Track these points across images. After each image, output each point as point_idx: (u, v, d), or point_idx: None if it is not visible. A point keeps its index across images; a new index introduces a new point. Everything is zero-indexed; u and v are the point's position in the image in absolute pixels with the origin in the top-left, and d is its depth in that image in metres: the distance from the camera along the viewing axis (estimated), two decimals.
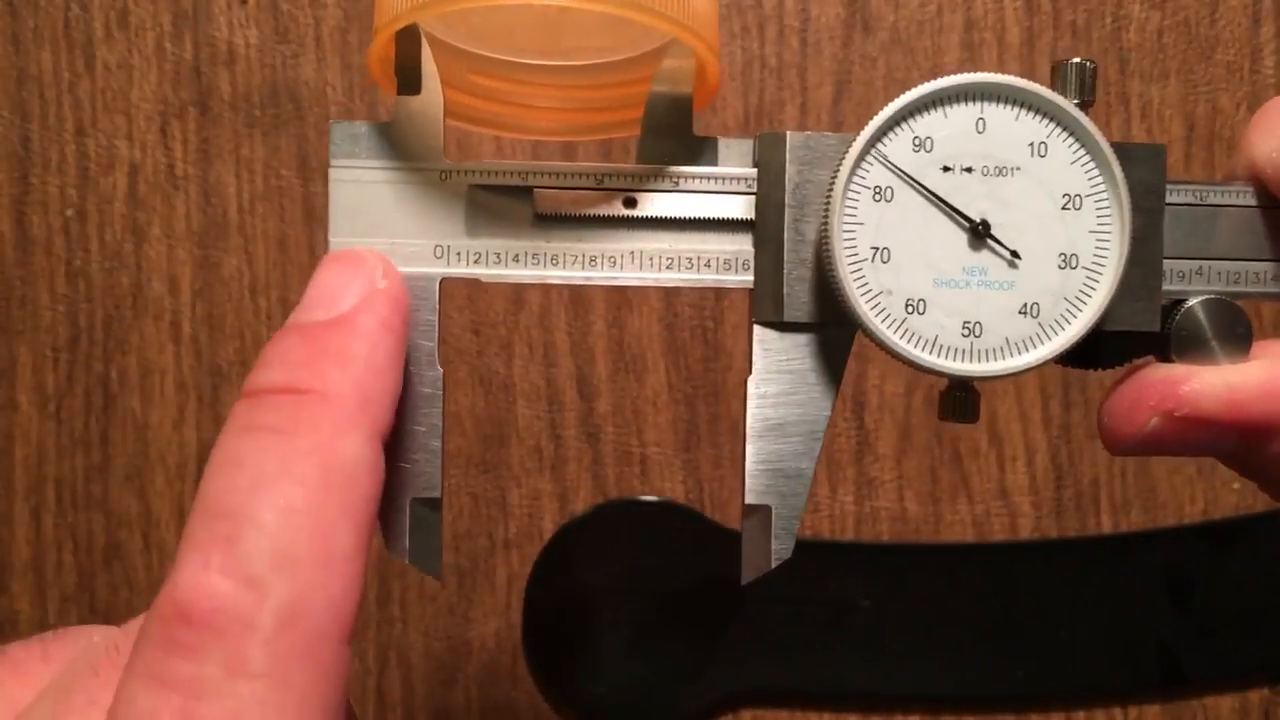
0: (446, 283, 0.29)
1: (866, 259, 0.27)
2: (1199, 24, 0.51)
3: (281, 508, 0.22)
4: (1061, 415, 0.51)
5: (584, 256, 0.29)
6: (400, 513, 0.28)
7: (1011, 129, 0.27)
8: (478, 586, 0.51)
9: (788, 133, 0.28)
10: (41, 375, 0.51)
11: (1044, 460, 0.51)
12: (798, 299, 0.28)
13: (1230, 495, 0.52)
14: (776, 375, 0.29)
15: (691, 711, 0.50)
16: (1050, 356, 0.27)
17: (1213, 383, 0.27)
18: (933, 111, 0.27)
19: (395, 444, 0.28)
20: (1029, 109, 0.27)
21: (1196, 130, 0.51)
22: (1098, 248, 0.27)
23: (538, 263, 0.29)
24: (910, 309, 0.27)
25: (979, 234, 0.27)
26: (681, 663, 0.50)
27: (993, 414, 0.51)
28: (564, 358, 0.51)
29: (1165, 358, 0.29)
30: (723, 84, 0.51)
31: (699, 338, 0.50)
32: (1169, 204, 0.28)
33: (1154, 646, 0.51)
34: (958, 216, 0.27)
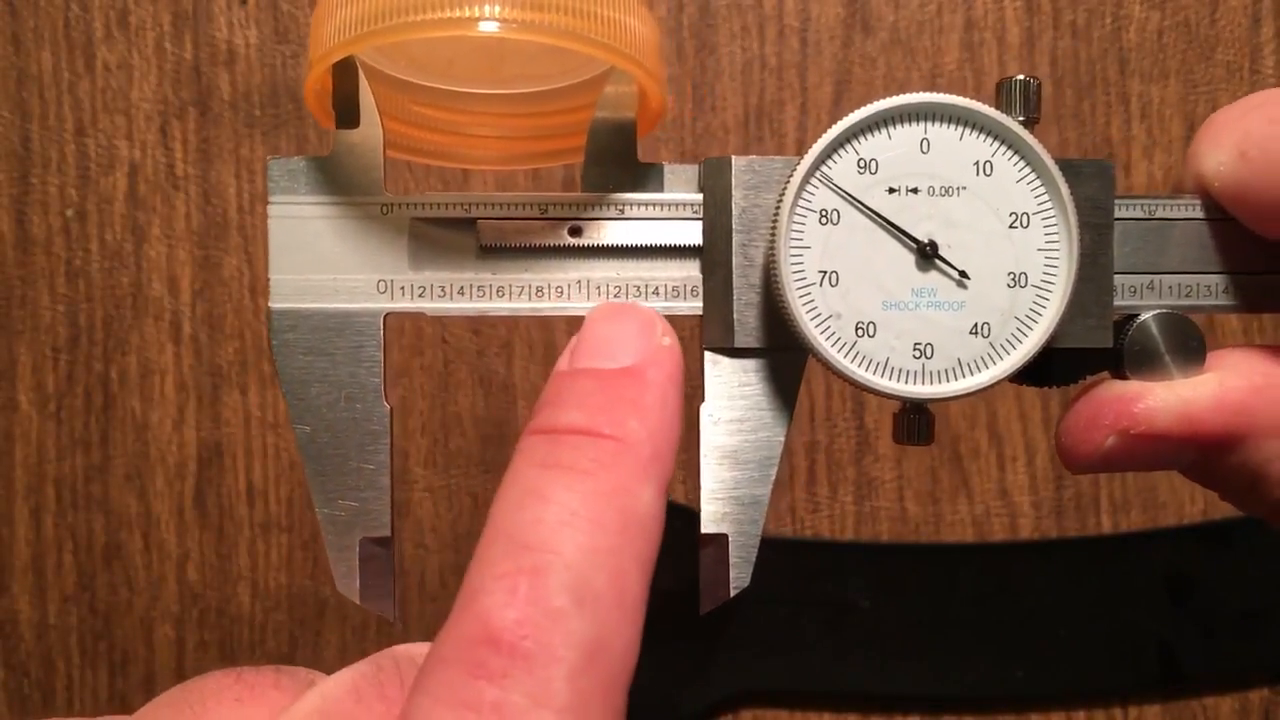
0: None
1: (815, 282, 0.27)
2: (1199, 24, 0.51)
3: (585, 546, 0.23)
4: (1061, 415, 0.51)
5: (530, 287, 0.28)
6: (349, 551, 0.28)
7: (956, 148, 0.27)
8: None
9: (732, 157, 0.28)
10: (41, 375, 0.51)
11: (1044, 460, 0.51)
12: (747, 324, 0.28)
13: None
14: (729, 402, 0.28)
15: (691, 711, 0.50)
16: (1003, 376, 0.27)
17: (1167, 399, 0.27)
18: (877, 133, 0.27)
19: (342, 482, 0.28)
20: (973, 128, 0.27)
21: (1196, 130, 0.51)
22: (1046, 265, 0.27)
23: (483, 295, 0.28)
24: (860, 332, 0.27)
25: (927, 255, 0.27)
26: (681, 663, 0.50)
27: (993, 414, 0.51)
28: None
29: (1120, 374, 0.28)
30: (722, 87, 0.51)
31: (698, 338, 0.50)
32: (1118, 219, 0.28)
33: (1154, 646, 0.51)
34: (905, 238, 0.27)
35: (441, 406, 0.51)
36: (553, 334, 0.51)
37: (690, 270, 0.29)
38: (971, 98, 0.27)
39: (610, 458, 0.24)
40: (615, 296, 0.29)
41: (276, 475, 0.51)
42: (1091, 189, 0.28)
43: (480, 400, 0.51)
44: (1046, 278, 0.27)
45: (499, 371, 0.51)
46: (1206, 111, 0.51)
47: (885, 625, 0.50)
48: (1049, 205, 0.27)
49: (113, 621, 0.51)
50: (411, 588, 0.51)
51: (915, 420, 0.29)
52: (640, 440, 0.25)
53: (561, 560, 0.22)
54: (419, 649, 0.25)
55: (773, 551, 0.51)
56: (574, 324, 0.51)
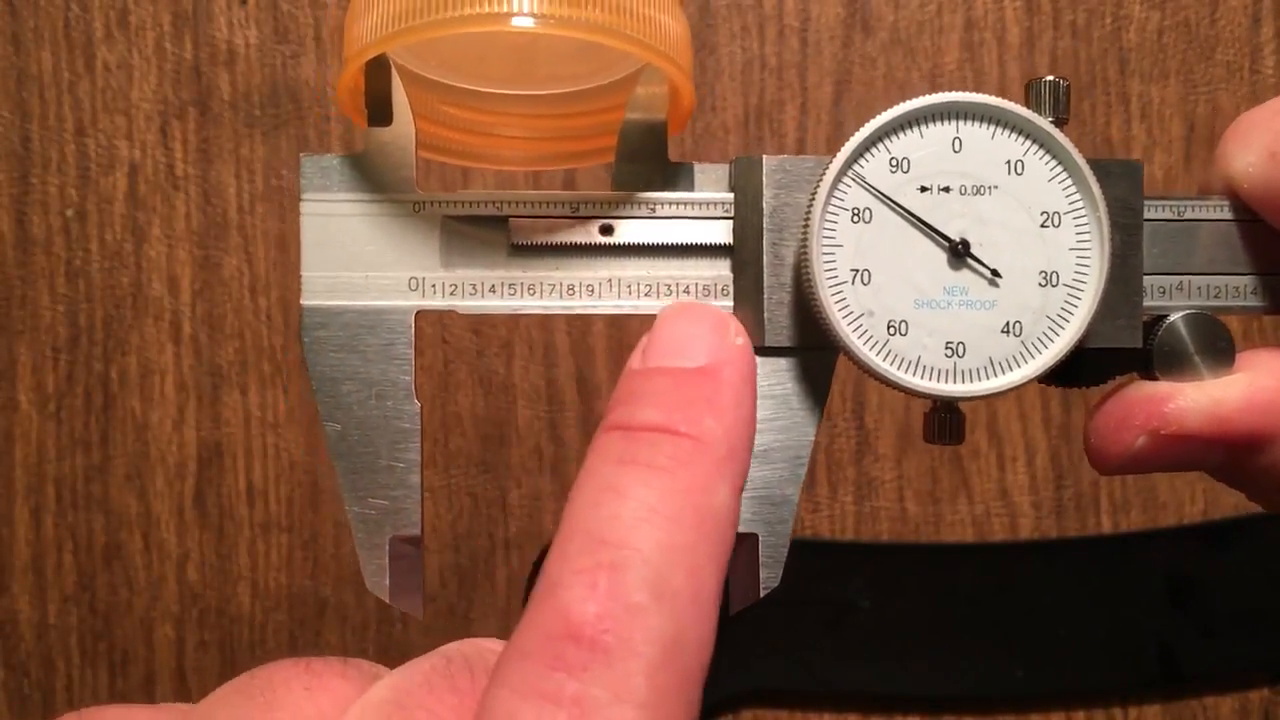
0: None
1: (847, 281, 0.27)
2: (1199, 24, 0.51)
3: (663, 543, 0.23)
4: (1061, 416, 0.51)
5: (561, 285, 0.28)
6: (379, 550, 0.28)
7: (988, 147, 0.27)
8: (478, 586, 0.51)
9: (764, 157, 0.28)
10: (41, 375, 0.51)
11: (1044, 460, 0.51)
12: (778, 323, 0.28)
13: (1230, 495, 0.51)
14: (759, 401, 0.28)
15: None
16: (1034, 375, 0.27)
17: (1197, 399, 0.27)
18: (909, 132, 0.27)
19: (372, 479, 0.28)
20: (1005, 127, 0.27)
21: (1196, 130, 0.51)
22: (1078, 265, 0.27)
23: (514, 293, 0.28)
24: (892, 330, 0.27)
25: (959, 253, 0.27)
26: None
27: (993, 414, 0.51)
28: (564, 358, 0.51)
29: (1149, 374, 0.28)
30: (722, 87, 0.51)
31: None
32: (1147, 219, 0.28)
33: (1154, 646, 0.51)
34: (937, 236, 0.27)
35: (441, 406, 0.51)
36: (552, 334, 0.51)
37: (721, 269, 0.29)
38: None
39: (687, 455, 0.24)
40: (646, 296, 0.29)
41: (276, 475, 0.51)
42: (1121, 189, 0.28)
43: (480, 400, 0.51)
44: (1078, 277, 0.27)
45: (499, 371, 0.51)
46: (1206, 111, 0.51)
47: (885, 625, 0.50)
48: (1080, 205, 0.27)
49: (113, 621, 0.51)
50: None
51: (947, 419, 0.29)
52: (717, 439, 0.25)
53: (640, 556, 0.22)
54: (489, 643, 0.25)
55: None
56: (574, 324, 0.51)
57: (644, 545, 0.23)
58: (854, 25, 0.51)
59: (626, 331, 0.50)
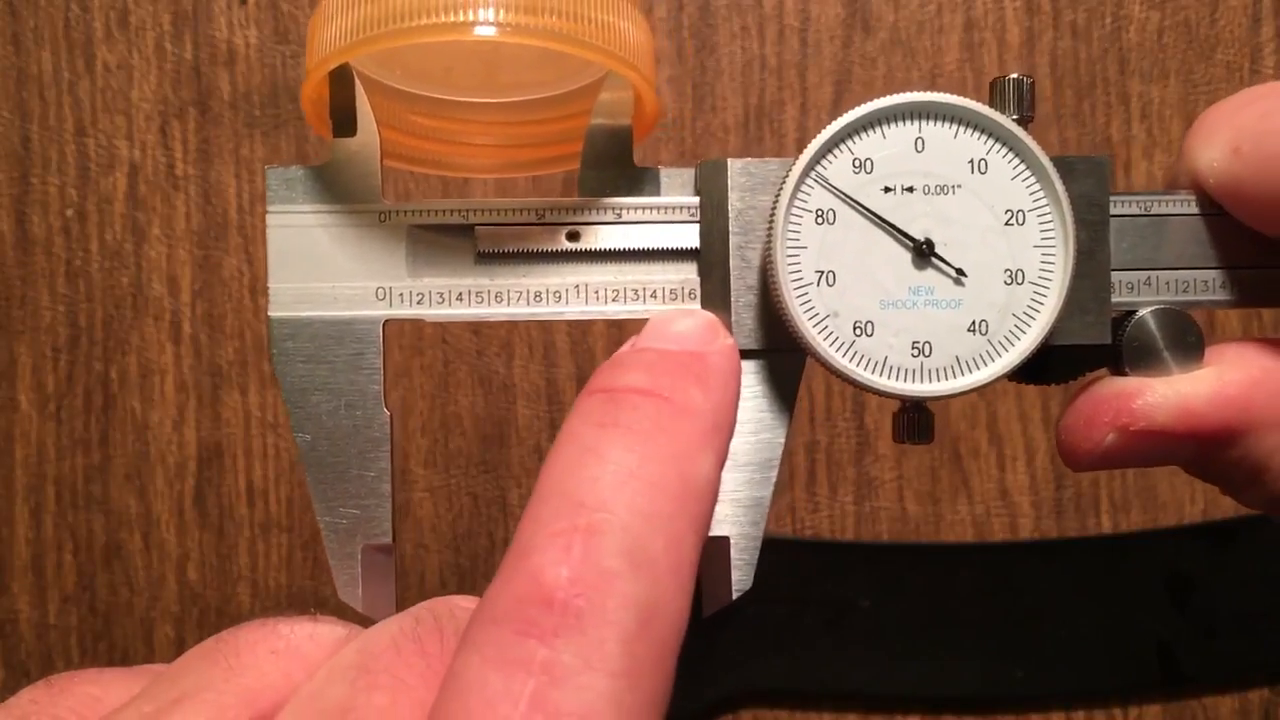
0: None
1: (812, 282, 0.27)
2: (1199, 24, 0.51)
3: (642, 509, 0.22)
4: (1061, 413, 0.51)
5: (528, 292, 0.28)
6: (352, 559, 0.28)
7: (950, 147, 0.27)
8: (478, 586, 0.51)
9: (728, 160, 0.28)
10: (41, 375, 0.51)
11: (1044, 460, 0.51)
12: (746, 326, 0.28)
13: None
14: None
15: (691, 711, 0.50)
16: (1001, 373, 0.27)
17: (1166, 394, 0.27)
18: (871, 132, 0.27)
19: (343, 489, 0.28)
20: (967, 126, 0.27)
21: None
22: (1043, 262, 0.27)
23: (482, 301, 0.28)
24: (858, 331, 0.27)
25: (923, 253, 0.27)
26: (682, 662, 0.50)
27: (993, 414, 0.51)
28: (564, 358, 0.51)
29: (1119, 370, 0.28)
30: (722, 87, 0.51)
31: None
32: (1114, 215, 0.28)
33: (1154, 646, 0.51)
34: (901, 236, 0.27)
35: (441, 406, 0.51)
36: (553, 335, 0.51)
37: (688, 273, 0.29)
38: (970, 97, 0.27)
39: (670, 421, 0.24)
40: (613, 301, 0.29)
41: (276, 475, 0.51)
42: (1087, 186, 0.28)
43: (480, 400, 0.51)
44: (1043, 274, 0.27)
45: (499, 371, 0.51)
46: None
47: (885, 625, 0.50)
48: (1044, 202, 0.27)
49: (113, 621, 0.51)
50: (412, 588, 0.51)
51: (915, 419, 0.29)
52: (702, 409, 0.24)
53: (618, 521, 0.22)
54: (461, 601, 0.25)
55: (773, 551, 0.51)
56: (574, 325, 0.51)
57: (622, 510, 0.22)
58: (854, 25, 0.51)
59: (626, 332, 0.50)
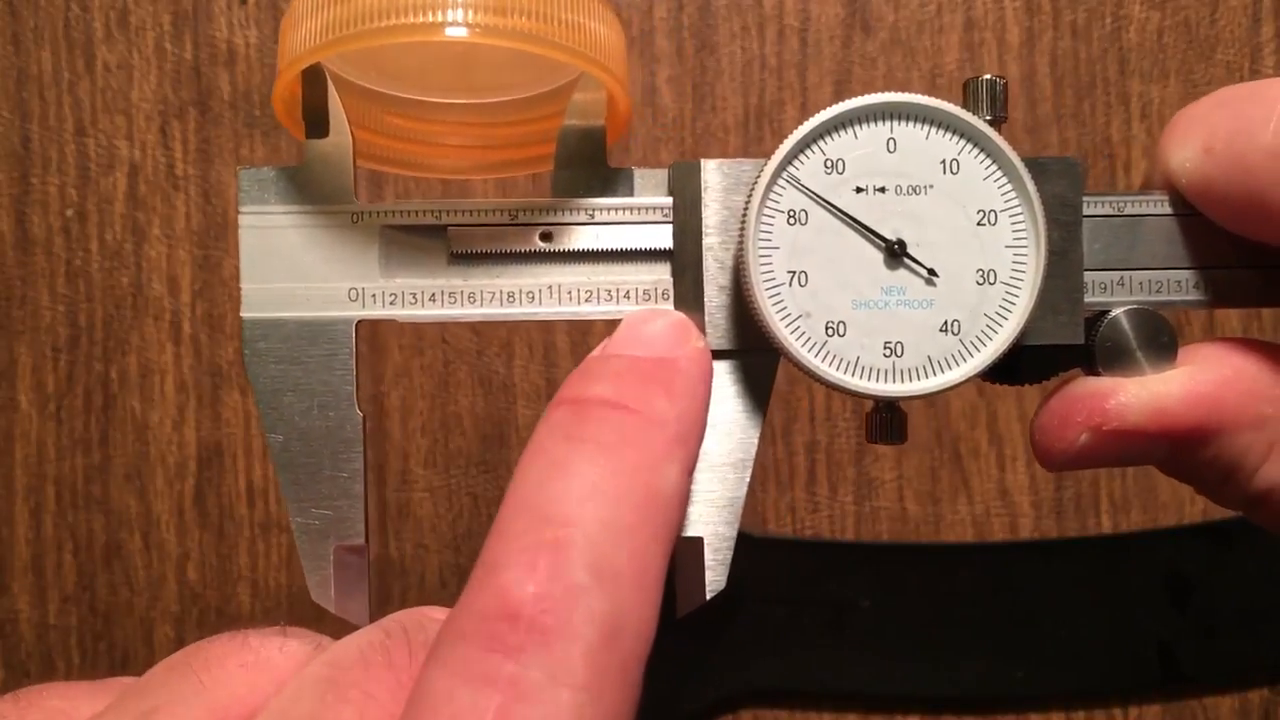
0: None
1: (784, 283, 0.27)
2: (1199, 24, 0.51)
3: (608, 522, 0.22)
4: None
5: (501, 293, 0.29)
6: (324, 560, 0.28)
7: (922, 147, 0.27)
8: None
9: (701, 160, 0.28)
10: (41, 375, 0.51)
11: None
12: (719, 326, 0.28)
13: None
14: None
15: (691, 711, 0.50)
16: (973, 373, 0.27)
17: (1139, 394, 0.27)
18: (843, 133, 0.27)
19: (315, 490, 0.28)
20: (939, 127, 0.27)
21: None
22: (1015, 262, 0.27)
23: (455, 301, 0.28)
24: (830, 331, 0.27)
25: (895, 253, 0.27)
26: (681, 663, 0.50)
27: (993, 414, 0.51)
28: (564, 358, 0.51)
29: (1092, 370, 0.28)
30: (722, 87, 0.51)
31: None
32: (1087, 215, 0.28)
33: (1154, 646, 0.51)
34: (873, 237, 0.27)
35: (441, 406, 0.51)
36: (553, 335, 0.51)
37: (661, 274, 0.29)
38: (943, 98, 0.27)
39: (635, 433, 0.24)
40: (587, 302, 0.29)
41: (276, 475, 0.51)
42: (1059, 187, 0.28)
43: (480, 400, 0.51)
44: (1015, 274, 0.27)
45: (499, 371, 0.51)
46: None
47: (885, 625, 0.50)
48: (1016, 203, 0.27)
49: (113, 621, 0.51)
50: (411, 588, 0.51)
51: (888, 419, 0.29)
52: (668, 419, 0.25)
53: (583, 535, 0.22)
54: (432, 612, 0.25)
55: (773, 551, 0.51)
56: (574, 325, 0.51)
57: (587, 524, 0.22)
58: (854, 25, 0.51)
59: None
